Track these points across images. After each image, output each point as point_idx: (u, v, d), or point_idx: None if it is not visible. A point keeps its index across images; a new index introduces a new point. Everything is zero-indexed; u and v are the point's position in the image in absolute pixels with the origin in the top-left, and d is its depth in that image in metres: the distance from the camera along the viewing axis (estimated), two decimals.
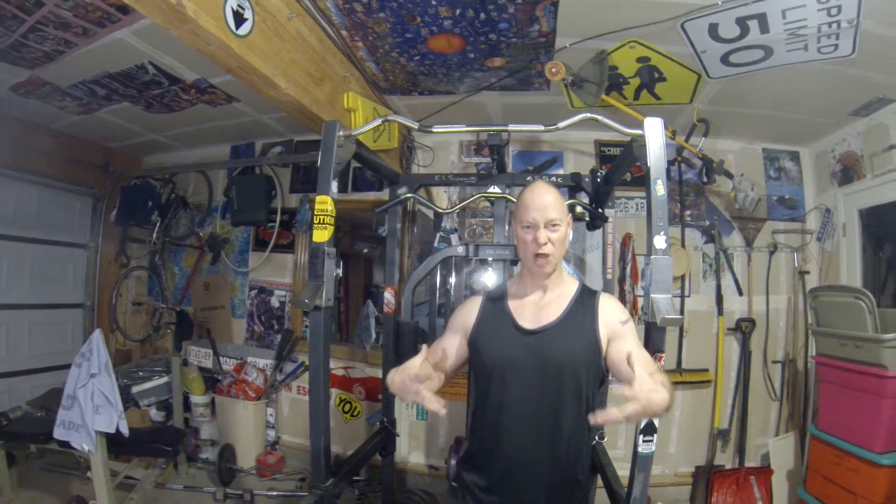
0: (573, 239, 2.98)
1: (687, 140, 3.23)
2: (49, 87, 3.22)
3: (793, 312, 3.53)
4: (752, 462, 3.44)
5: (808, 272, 3.50)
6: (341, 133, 1.81)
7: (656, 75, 2.78)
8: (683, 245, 3.50)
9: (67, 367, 2.76)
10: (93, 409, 2.59)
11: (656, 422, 1.73)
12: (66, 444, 2.71)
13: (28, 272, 4.11)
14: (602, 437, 2.43)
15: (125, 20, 2.38)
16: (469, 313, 1.65)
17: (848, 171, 3.27)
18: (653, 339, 1.69)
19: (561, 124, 1.88)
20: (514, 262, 2.52)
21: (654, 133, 1.74)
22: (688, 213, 3.58)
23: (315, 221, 1.76)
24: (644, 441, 1.73)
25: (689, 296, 3.52)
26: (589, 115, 1.90)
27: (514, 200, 2.52)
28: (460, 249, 2.50)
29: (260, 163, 4.18)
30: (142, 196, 4.41)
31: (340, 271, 1.77)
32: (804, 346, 3.45)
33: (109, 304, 4.53)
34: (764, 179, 3.60)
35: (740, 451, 3.41)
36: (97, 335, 2.66)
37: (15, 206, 4.00)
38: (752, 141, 3.63)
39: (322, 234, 1.75)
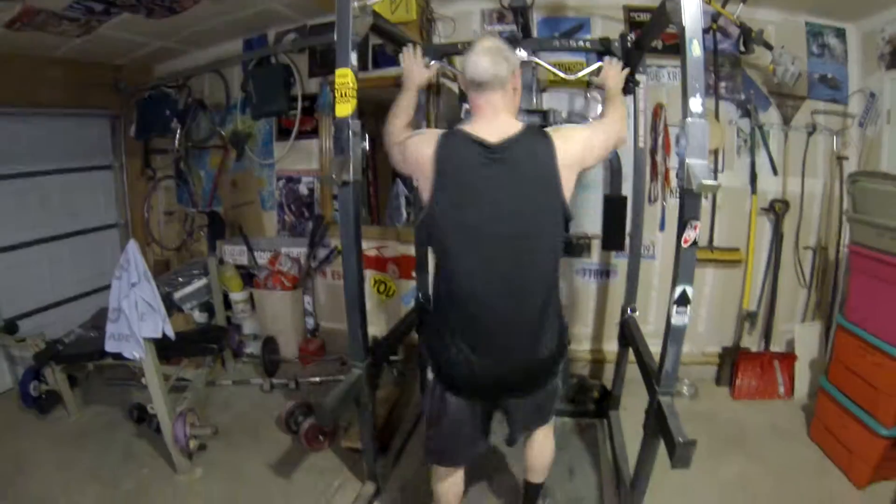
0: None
1: (723, 6, 2.98)
2: (44, 15, 3.03)
3: (828, 198, 3.40)
4: (777, 347, 3.48)
5: (846, 158, 3.32)
6: (356, 4, 1.72)
7: None
8: (717, 118, 3.32)
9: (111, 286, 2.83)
10: (138, 318, 2.67)
11: (689, 294, 1.73)
12: (119, 357, 2.79)
13: (59, 203, 4.15)
14: (634, 311, 2.46)
15: None
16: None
17: None
18: (688, 207, 1.65)
19: None
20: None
21: None
22: (722, 84, 3.36)
23: (337, 95, 1.70)
24: (677, 312, 1.74)
25: (722, 171, 3.39)
26: None
27: (542, 64, 2.41)
28: None
29: (275, 52, 4.03)
30: (158, 106, 4.33)
31: (367, 145, 1.73)
32: (837, 234, 3.35)
33: (142, 218, 4.62)
34: (806, 55, 3.32)
35: (766, 334, 3.44)
36: (132, 245, 2.69)
37: (32, 141, 3.96)
38: (795, 12, 3.30)
39: (345, 108, 1.70)
